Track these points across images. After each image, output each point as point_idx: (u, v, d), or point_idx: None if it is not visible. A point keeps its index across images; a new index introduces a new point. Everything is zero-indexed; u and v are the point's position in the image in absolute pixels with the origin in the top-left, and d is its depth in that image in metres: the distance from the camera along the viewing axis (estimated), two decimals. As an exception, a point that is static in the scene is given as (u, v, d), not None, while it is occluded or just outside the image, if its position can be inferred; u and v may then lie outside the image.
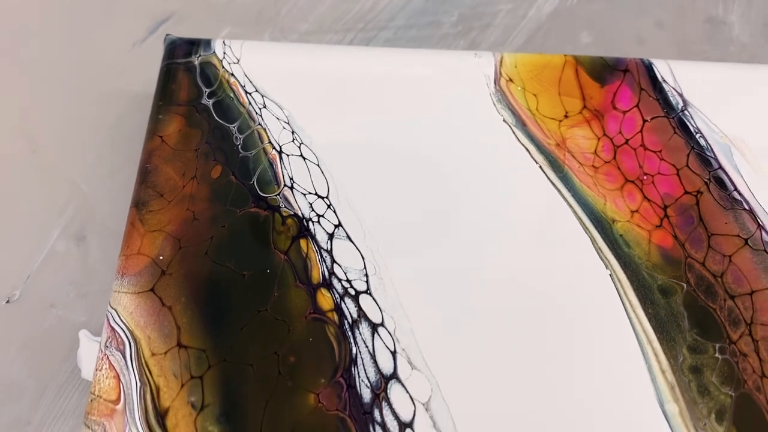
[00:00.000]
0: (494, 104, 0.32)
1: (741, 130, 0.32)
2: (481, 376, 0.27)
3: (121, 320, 0.27)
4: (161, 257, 0.28)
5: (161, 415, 0.26)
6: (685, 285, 0.29)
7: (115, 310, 0.27)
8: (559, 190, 0.31)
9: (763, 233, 0.30)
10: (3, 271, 0.34)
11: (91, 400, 0.26)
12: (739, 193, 0.31)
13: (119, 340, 0.27)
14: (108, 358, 0.27)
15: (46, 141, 0.37)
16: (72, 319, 0.33)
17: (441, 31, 0.41)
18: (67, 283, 0.34)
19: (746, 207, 0.31)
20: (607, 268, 0.29)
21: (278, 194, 0.30)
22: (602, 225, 0.30)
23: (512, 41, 0.41)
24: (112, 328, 0.27)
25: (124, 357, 0.26)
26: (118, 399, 0.26)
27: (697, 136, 0.32)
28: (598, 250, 0.29)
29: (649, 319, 0.28)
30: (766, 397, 0.27)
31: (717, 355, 0.27)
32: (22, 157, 0.37)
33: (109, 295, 0.28)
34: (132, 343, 0.27)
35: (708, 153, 0.32)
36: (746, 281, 0.29)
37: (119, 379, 0.26)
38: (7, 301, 0.33)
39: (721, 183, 0.31)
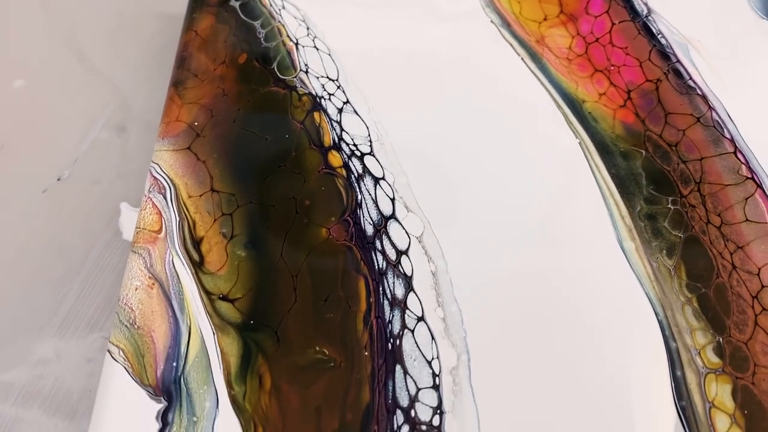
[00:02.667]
0: (483, 8, 0.37)
1: (698, 32, 0.37)
2: (467, 215, 0.31)
3: (162, 171, 0.32)
4: (196, 123, 0.33)
5: (197, 242, 0.30)
6: (644, 152, 0.33)
7: (158, 164, 0.32)
8: (537, 78, 0.36)
9: (713, 113, 0.35)
10: (55, 155, 0.39)
11: (137, 232, 0.31)
12: (694, 82, 0.36)
13: (161, 185, 0.32)
14: (151, 200, 0.31)
15: (92, 52, 0.43)
16: (113, 193, 0.38)
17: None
18: (109, 165, 0.39)
19: (699, 93, 0.35)
20: (577, 137, 0.34)
21: (295, 77, 0.35)
22: (574, 104, 0.35)
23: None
24: (155, 178, 0.32)
25: (165, 198, 0.31)
26: (160, 230, 0.31)
27: (659, 36, 0.37)
28: (570, 123, 0.34)
29: (612, 178, 0.33)
30: (709, 239, 0.31)
31: (669, 206, 0.32)
32: (71, 64, 0.42)
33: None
34: (172, 188, 0.32)
35: (668, 50, 0.37)
36: (697, 150, 0.34)
37: (161, 215, 0.31)
38: (58, 179, 0.38)
39: (678, 73, 0.36)
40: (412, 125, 0.34)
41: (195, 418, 0.27)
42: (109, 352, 0.28)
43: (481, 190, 0.32)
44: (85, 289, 0.35)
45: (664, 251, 0.31)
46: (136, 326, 0.28)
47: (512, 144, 0.33)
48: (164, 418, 0.27)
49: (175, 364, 0.28)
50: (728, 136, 0.34)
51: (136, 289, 0.29)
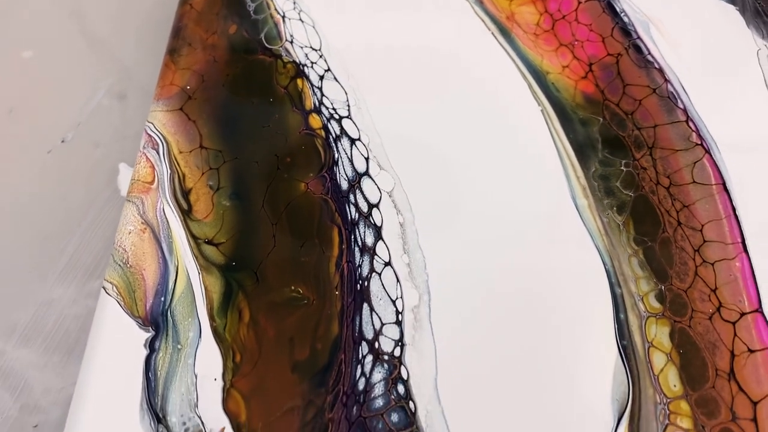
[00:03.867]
0: (457, -13, 0.40)
1: (659, 11, 0.40)
2: (435, 173, 0.34)
3: (156, 129, 0.35)
4: (188, 87, 0.36)
5: (186, 193, 0.33)
6: (601, 119, 0.36)
7: (152, 123, 0.35)
8: (506, 50, 0.38)
9: (669, 85, 0.37)
10: (59, 119, 0.42)
11: (132, 183, 0.34)
12: (652, 57, 0.38)
13: (154, 142, 0.35)
14: (145, 155, 0.34)
15: (96, 26, 0.46)
16: (113, 154, 0.41)
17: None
18: (110, 129, 0.42)
19: (656, 66, 0.38)
20: (539, 105, 0.36)
21: (281, 46, 0.38)
22: (538, 75, 0.37)
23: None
24: (149, 135, 0.35)
25: (158, 153, 0.34)
26: (153, 181, 0.34)
27: (622, 14, 0.40)
28: (534, 93, 0.37)
29: (570, 143, 0.35)
30: (658, 198, 0.34)
31: (622, 167, 0.35)
32: (76, 37, 0.45)
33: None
34: (164, 144, 0.35)
35: (630, 27, 0.39)
36: (651, 118, 0.36)
37: (154, 168, 0.34)
38: (62, 141, 0.41)
39: (638, 49, 0.39)
40: (388, 91, 0.37)
41: (179, 346, 0.30)
42: (104, 288, 0.31)
43: (449, 149, 0.35)
44: (85, 241, 0.38)
45: (615, 208, 0.34)
46: (128, 265, 0.31)
47: (476, 108, 0.36)
48: (151, 345, 0.30)
49: (162, 298, 0.31)
50: (681, 106, 0.37)
51: (130, 233, 0.32)
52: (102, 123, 0.42)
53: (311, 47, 0.38)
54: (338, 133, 0.35)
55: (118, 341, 0.30)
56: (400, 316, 0.31)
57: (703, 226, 0.33)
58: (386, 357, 0.30)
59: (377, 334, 0.30)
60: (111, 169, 0.40)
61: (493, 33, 0.39)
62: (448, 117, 0.36)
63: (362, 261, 0.32)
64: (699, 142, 0.35)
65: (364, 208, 0.33)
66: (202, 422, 0.28)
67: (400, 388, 0.29)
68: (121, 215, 0.33)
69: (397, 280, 0.32)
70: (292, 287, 0.31)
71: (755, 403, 0.29)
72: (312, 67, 0.37)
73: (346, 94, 0.36)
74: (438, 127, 0.36)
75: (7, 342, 0.36)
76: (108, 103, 0.43)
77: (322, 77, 0.37)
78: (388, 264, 0.32)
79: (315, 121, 0.36)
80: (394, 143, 0.35)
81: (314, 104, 0.36)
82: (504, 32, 0.39)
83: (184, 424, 0.28)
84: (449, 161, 0.34)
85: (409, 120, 0.36)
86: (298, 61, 0.37)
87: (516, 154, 0.35)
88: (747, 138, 0.36)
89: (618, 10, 0.40)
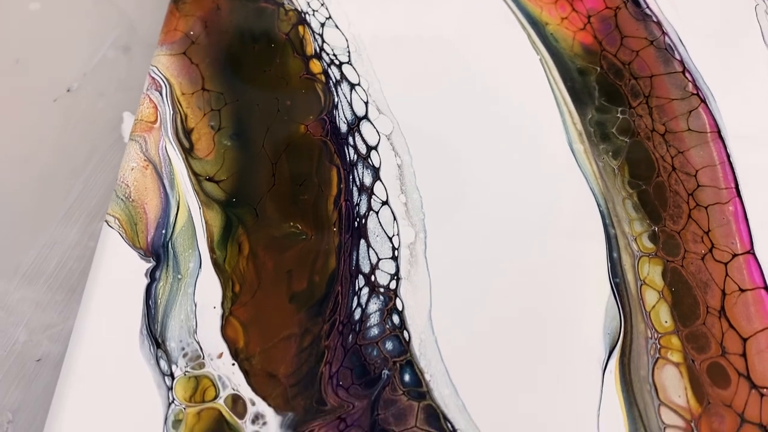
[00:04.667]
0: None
1: (657, -33, 0.40)
2: (433, 117, 0.35)
3: (160, 72, 0.36)
4: (191, 32, 0.37)
5: (188, 132, 0.34)
6: (599, 68, 0.37)
7: (156, 66, 0.36)
8: (507, 3, 0.39)
9: (666, 38, 0.38)
10: (65, 70, 0.42)
11: (135, 123, 0.34)
12: (651, 10, 0.39)
13: (158, 84, 0.35)
14: (149, 96, 0.35)
15: (101, -19, 0.46)
16: (117, 104, 0.41)
17: None
18: (114, 80, 0.42)
19: (654, 20, 0.38)
20: (537, 54, 0.37)
21: (284, -5, 0.38)
22: (537, 26, 0.38)
23: None
24: (153, 78, 0.35)
25: (161, 95, 0.35)
26: (156, 121, 0.34)
27: (621, -30, 0.40)
28: (533, 42, 0.37)
29: (568, 90, 0.36)
30: (653, 144, 0.34)
31: (618, 115, 0.35)
32: (81, -9, 0.46)
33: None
34: (167, 86, 0.35)
35: (629, -18, 0.40)
36: (648, 69, 0.37)
37: (157, 109, 0.35)
38: (68, 90, 0.42)
39: (636, 2, 0.39)
40: (388, 39, 0.37)
41: (179, 276, 0.30)
42: (106, 221, 0.32)
43: (447, 94, 0.35)
44: (88, 185, 0.39)
45: (610, 153, 0.34)
46: (131, 200, 0.32)
47: (474, 56, 0.36)
48: (152, 275, 0.30)
49: (164, 231, 0.31)
50: (678, 57, 0.37)
51: (132, 169, 0.33)
52: (107, 74, 0.42)
53: (313, -4, 0.38)
54: (338, 78, 0.36)
55: (119, 271, 0.30)
56: (396, 251, 0.31)
57: (697, 171, 0.34)
58: (382, 289, 0.30)
59: (373, 268, 0.31)
60: (115, 118, 0.41)
61: (493, -15, 0.39)
62: (447, 63, 0.36)
63: (360, 200, 0.32)
64: (695, 92, 0.36)
65: (363, 150, 0.34)
66: (201, 348, 0.29)
67: (395, 319, 0.30)
68: (124, 154, 0.34)
69: (394, 219, 0.32)
70: (291, 223, 0.32)
71: (745, 340, 0.30)
72: (314, 14, 0.38)
73: (346, 40, 0.37)
74: (436, 73, 0.36)
75: (10, 281, 0.36)
76: (113, 55, 0.43)
77: (323, 24, 0.37)
78: (385, 203, 0.32)
79: (315, 66, 0.36)
80: (394, 89, 0.35)
81: (315, 50, 0.37)
82: (504, -15, 0.39)
83: (183, 349, 0.29)
84: (447, 106, 0.35)
85: (409, 66, 0.36)
86: (299, 9, 0.38)
87: (513, 101, 0.35)
88: (743, 90, 0.36)
89: (617, -35, 0.40)
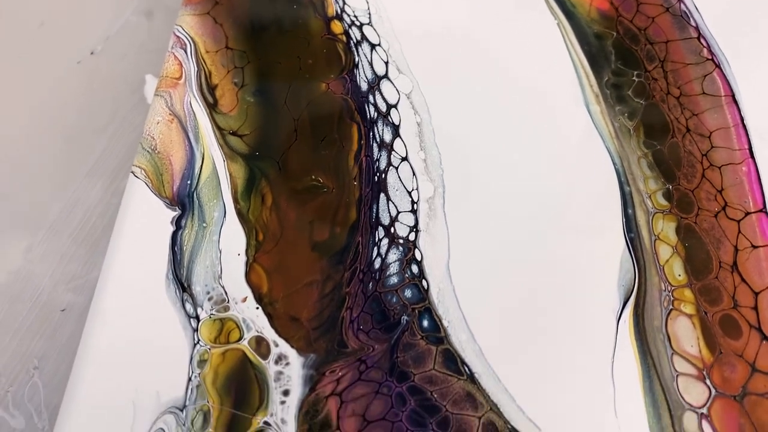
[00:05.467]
0: None
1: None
2: (453, 77, 0.35)
3: (184, 31, 0.36)
4: (215, -7, 0.37)
5: (212, 89, 0.35)
6: (615, 33, 0.37)
7: (180, 26, 0.37)
8: (523, -31, 0.39)
9: (682, 5, 0.38)
10: (89, 33, 0.43)
11: (160, 80, 0.35)
12: (667, -22, 0.39)
13: (182, 42, 0.36)
14: (174, 54, 0.36)
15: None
16: (140, 66, 0.42)
17: None
18: (137, 43, 0.43)
19: (671, -13, 0.39)
20: (555, 19, 0.37)
21: (305, -41, 0.39)
22: (554, -9, 0.38)
23: None
24: (177, 37, 0.36)
25: (186, 52, 0.36)
26: (181, 77, 0.35)
27: (638, -61, 0.40)
28: (550, 7, 0.38)
29: (585, 54, 0.36)
30: (668, 106, 0.35)
31: (634, 78, 0.36)
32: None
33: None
34: (192, 44, 0.36)
35: (645, -49, 0.40)
36: (664, 34, 0.37)
37: (182, 66, 0.35)
38: (92, 53, 0.43)
39: (653, -29, 0.39)
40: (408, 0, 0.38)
41: (204, 224, 0.31)
42: (132, 172, 0.32)
43: (467, 54, 0.36)
44: (111, 145, 0.40)
45: (626, 114, 0.35)
46: (156, 151, 0.33)
47: (493, 20, 0.37)
48: (178, 223, 0.31)
49: (189, 182, 0.32)
50: (693, 24, 0.37)
51: (158, 123, 0.34)
52: (129, 37, 0.43)
53: (334, -39, 0.39)
54: (359, 38, 0.36)
55: (145, 219, 0.31)
56: (415, 205, 0.32)
57: (711, 133, 0.34)
58: (401, 241, 0.31)
59: (393, 220, 0.32)
60: (137, 80, 0.42)
61: (511, -48, 0.40)
62: (466, 25, 0.37)
63: (380, 155, 0.33)
64: (710, 57, 0.36)
65: (383, 108, 0.34)
66: (226, 292, 0.30)
67: (414, 268, 0.30)
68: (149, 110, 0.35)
69: (413, 174, 0.33)
70: (313, 177, 0.33)
71: (757, 294, 0.30)
72: (335, -22, 0.38)
73: (367, 2, 0.38)
74: (456, 35, 0.37)
75: (35, 235, 0.37)
76: (135, 19, 0.44)
77: (344, -12, 0.38)
78: (405, 159, 0.33)
79: (336, 27, 0.37)
80: (414, 49, 0.36)
81: (336, 11, 0.37)
82: (522, -48, 0.40)
83: (208, 293, 0.30)
84: (466, 67, 0.36)
85: (428, 28, 0.37)
86: (321, -27, 0.38)
87: (531, 63, 0.36)
88: (758, 55, 0.37)
89: (634, -66, 0.41)
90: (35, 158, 0.39)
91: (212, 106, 0.34)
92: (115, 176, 0.39)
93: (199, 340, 0.29)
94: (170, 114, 0.34)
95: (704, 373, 0.29)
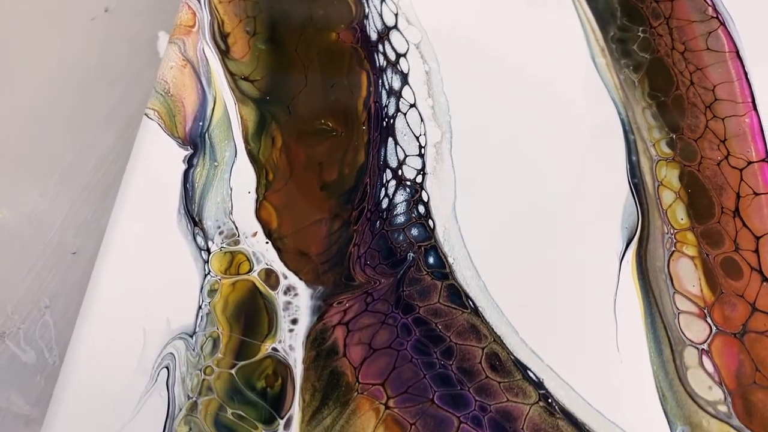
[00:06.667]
0: None
1: None
2: (460, 33, 0.36)
3: (198, -18, 0.37)
4: (229, -53, 0.38)
5: (224, 36, 0.35)
6: (621, -9, 0.38)
7: (194, -21, 0.37)
8: (531, -70, 0.40)
9: (688, -35, 0.39)
10: (102, -9, 0.44)
11: (174, 28, 0.36)
12: (673, -60, 0.40)
13: (196, -8, 0.37)
14: (187, 3, 0.36)
15: None
16: (153, 23, 0.43)
17: None
18: (150, 1, 0.44)
19: (677, -51, 0.39)
20: (562, -24, 0.38)
21: None
22: (562, -50, 0.39)
23: None
24: (191, -12, 0.37)
25: (199, 2, 0.36)
26: (194, 25, 0.36)
27: None
28: (557, -34, 0.38)
29: (591, 9, 0.37)
30: (672, 61, 0.35)
31: (639, 33, 0.36)
32: None
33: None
34: (205, -5, 0.37)
35: None
36: (669, -7, 0.38)
37: (195, 14, 0.36)
38: (106, 10, 0.43)
39: (659, -67, 0.40)
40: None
41: (216, 163, 0.32)
42: (146, 114, 0.33)
43: (477, 9, 0.36)
44: (124, 97, 0.40)
45: (631, 67, 0.35)
46: (169, 94, 0.33)
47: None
48: (190, 161, 0.32)
49: (201, 123, 0.33)
50: (699, -17, 0.38)
51: (171, 68, 0.34)
52: (143, -5, 0.44)
53: None
54: (369, -8, 0.37)
55: (158, 157, 0.32)
56: (422, 150, 0.33)
57: (715, 86, 0.35)
58: (408, 182, 0.32)
59: (401, 163, 0.32)
60: (151, 36, 0.42)
61: None
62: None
63: (389, 102, 0.34)
64: (714, 15, 0.37)
65: (392, 57, 0.35)
66: (236, 227, 0.30)
67: (421, 209, 0.31)
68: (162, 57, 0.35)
69: (421, 120, 0.33)
70: (322, 120, 0.33)
71: (758, 238, 0.31)
72: (346, -65, 0.39)
73: (377, -41, 0.38)
74: (464, -10, 0.37)
75: (48, 180, 0.38)
76: (149, -21, 0.45)
77: (355, -55, 0.39)
78: (413, 106, 0.34)
79: (347, -19, 0.37)
80: (423, 1, 0.37)
81: (347, -33, 0.38)
82: None
83: (219, 227, 0.30)
84: (475, 18, 0.36)
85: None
86: (333, -71, 0.39)
87: (538, 17, 0.36)
88: (764, 13, 0.37)
89: None
90: (50, 109, 0.40)
91: (224, 53, 0.35)
92: (127, 126, 0.39)
93: (209, 271, 0.29)
94: (183, 59, 0.34)
95: (705, 311, 0.29)
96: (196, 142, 0.32)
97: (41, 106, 0.40)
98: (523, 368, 0.28)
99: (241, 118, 0.33)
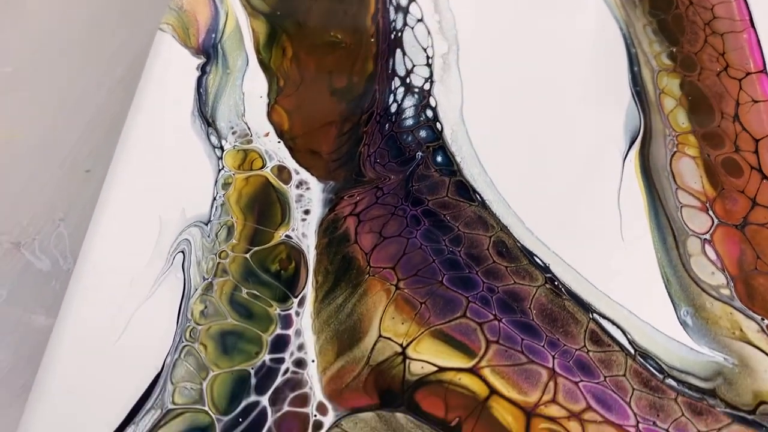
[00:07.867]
0: None
1: None
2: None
3: None
4: None
5: (236, -42, 0.36)
6: None
7: None
8: None
9: None
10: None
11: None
12: None
13: None
14: (199, -71, 0.37)
15: None
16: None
17: None
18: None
19: None
20: None
21: None
22: None
23: None
24: None
25: (211, -73, 0.37)
26: (206, -52, 0.37)
27: None
28: None
29: (593, -63, 0.38)
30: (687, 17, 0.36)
31: None
32: None
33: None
34: None
35: None
36: None
37: (207, -62, 0.37)
38: (117, -51, 0.44)
39: None
40: None
41: (228, 71, 0.33)
42: (160, 29, 0.34)
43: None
44: (133, 33, 0.41)
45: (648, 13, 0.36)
46: (183, 10, 0.34)
47: None
48: (203, 69, 0.33)
49: (213, 35, 0.34)
50: None
51: (184, -14, 0.35)
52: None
53: None
54: None
55: (172, 66, 0.33)
56: (430, 60, 0.33)
57: (713, 6, 0.36)
58: (416, 89, 0.33)
59: (408, 72, 0.33)
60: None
61: None
62: None
63: (396, 17, 0.35)
64: (713, -58, 0.38)
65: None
66: (249, 127, 0.31)
67: (429, 113, 0.32)
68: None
69: (429, 33, 0.34)
70: (332, 33, 0.34)
71: (757, 140, 0.31)
72: None
73: None
74: None
75: (60, 109, 0.39)
76: None
77: None
78: (420, 20, 0.35)
79: None
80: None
81: None
82: None
83: (232, 128, 0.31)
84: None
85: None
86: None
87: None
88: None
89: None
90: (58, 41, 0.41)
91: (236, -28, 0.36)
92: (135, 60, 0.40)
93: (223, 167, 0.30)
94: (196, -22, 0.35)
95: (707, 205, 0.30)
96: (208, 51, 0.33)
97: (55, 34, 0.41)
98: (529, 254, 0.28)
99: (253, 30, 0.34)
